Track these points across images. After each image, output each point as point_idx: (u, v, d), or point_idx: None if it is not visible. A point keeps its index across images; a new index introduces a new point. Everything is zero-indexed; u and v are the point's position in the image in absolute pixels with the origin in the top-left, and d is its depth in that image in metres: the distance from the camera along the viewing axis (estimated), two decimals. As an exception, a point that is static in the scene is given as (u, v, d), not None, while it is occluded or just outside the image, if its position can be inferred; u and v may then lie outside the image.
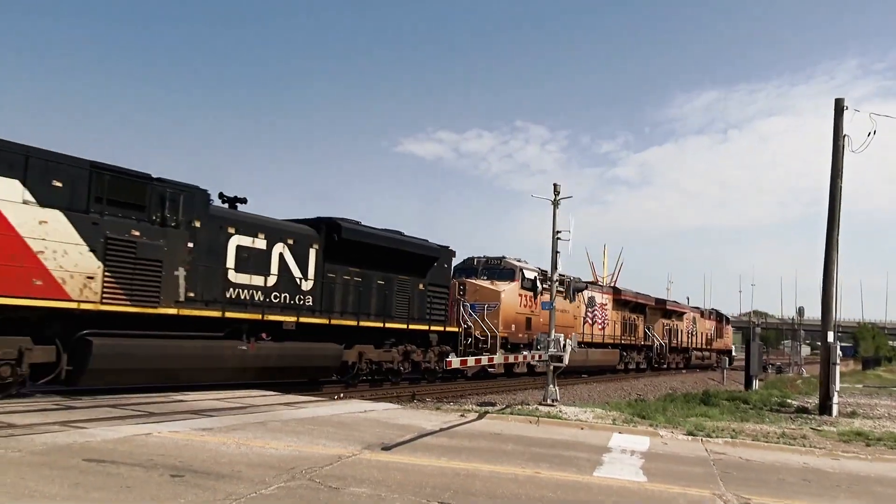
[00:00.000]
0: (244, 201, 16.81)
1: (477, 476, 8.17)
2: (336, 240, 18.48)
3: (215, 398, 14.38)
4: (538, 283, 24.51)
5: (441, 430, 11.88)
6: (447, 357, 18.20)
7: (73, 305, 12.70)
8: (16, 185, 11.98)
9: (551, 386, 16.20)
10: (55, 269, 12.39)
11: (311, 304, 17.90)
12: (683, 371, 41.14)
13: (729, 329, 59.52)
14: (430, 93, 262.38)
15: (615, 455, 10.41)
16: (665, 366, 39.92)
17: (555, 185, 16.73)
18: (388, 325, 19.97)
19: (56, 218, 12.49)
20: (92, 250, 13.00)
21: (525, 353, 18.43)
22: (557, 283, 16.67)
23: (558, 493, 7.61)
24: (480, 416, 13.93)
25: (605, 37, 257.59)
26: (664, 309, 41.83)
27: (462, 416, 14.02)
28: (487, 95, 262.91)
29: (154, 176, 14.40)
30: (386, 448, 9.61)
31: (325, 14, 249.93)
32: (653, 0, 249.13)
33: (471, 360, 16.33)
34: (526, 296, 25.73)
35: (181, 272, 14.53)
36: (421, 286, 21.54)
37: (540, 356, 15.99)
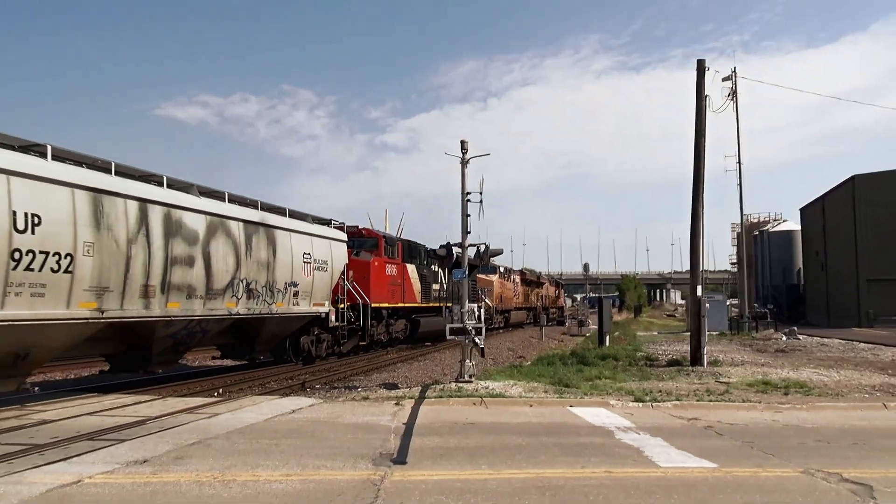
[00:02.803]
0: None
1: (561, 486, 6.76)
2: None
3: (87, 411, 11.36)
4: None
5: (404, 424, 10.25)
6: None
7: (416, 304, 27.35)
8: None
9: (468, 361, 14.98)
10: (413, 291, 27.29)
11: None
12: (542, 327, 42.89)
13: (562, 291, 72.89)
14: (189, 54, 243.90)
15: (629, 437, 9.51)
16: (540, 322, 44.31)
17: (462, 142, 15.34)
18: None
19: (413, 269, 27.26)
20: (420, 279, 27.94)
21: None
22: (475, 251, 15.38)
23: (673, 497, 6.44)
24: (418, 404, 12.40)
25: (372, 1, 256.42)
26: (537, 281, 57.90)
27: (397, 404, 12.40)
28: (252, 57, 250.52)
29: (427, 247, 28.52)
30: (399, 462, 7.82)
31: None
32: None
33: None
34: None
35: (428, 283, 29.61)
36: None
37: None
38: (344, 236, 21.70)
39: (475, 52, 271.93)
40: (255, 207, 17.27)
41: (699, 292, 20.02)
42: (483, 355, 14.69)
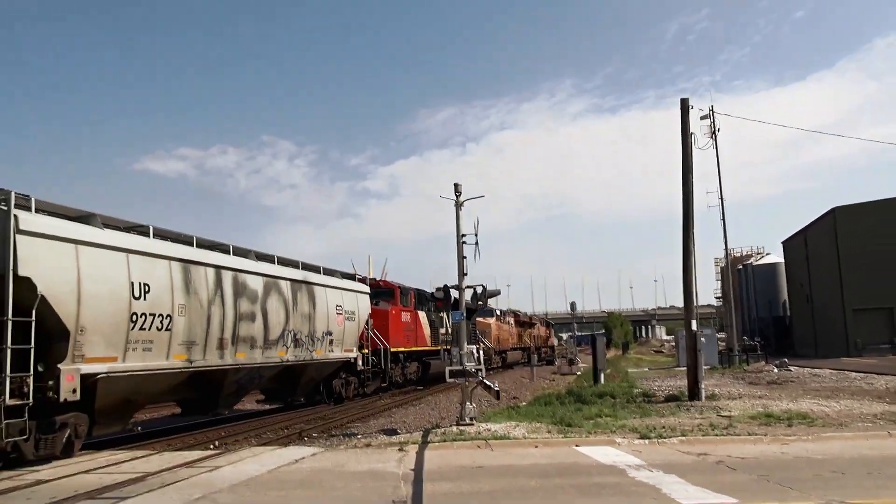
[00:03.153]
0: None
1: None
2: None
3: (83, 469, 11.02)
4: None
5: (412, 471, 10.06)
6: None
7: (427, 348, 29.18)
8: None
9: (468, 403, 14.80)
10: (424, 336, 29.41)
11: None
12: (534, 367, 42.82)
13: (552, 331, 74.54)
14: (166, 107, 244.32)
15: (643, 475, 9.38)
16: (533, 362, 44.44)
17: (455, 185, 15.42)
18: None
19: (424, 315, 29.51)
20: (429, 324, 30.09)
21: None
22: (471, 292, 15.31)
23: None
24: (422, 449, 12.20)
25: (348, 53, 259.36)
26: (529, 322, 59.00)
27: (401, 450, 12.19)
28: (230, 110, 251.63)
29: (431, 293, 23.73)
30: (414, 509, 7.64)
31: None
32: (383, 19, 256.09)
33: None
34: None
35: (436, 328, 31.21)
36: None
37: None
38: (367, 288, 24.17)
39: (452, 99, 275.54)
40: (297, 267, 19.66)
41: (694, 327, 20.04)
42: (498, 398, 14.62)
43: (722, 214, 39.55)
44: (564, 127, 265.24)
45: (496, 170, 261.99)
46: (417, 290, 29.72)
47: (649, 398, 20.77)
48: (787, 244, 58.93)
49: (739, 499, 7.71)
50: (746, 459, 10.50)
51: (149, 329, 12.94)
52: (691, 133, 20.63)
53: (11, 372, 10.48)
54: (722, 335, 50.86)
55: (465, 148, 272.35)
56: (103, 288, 12.04)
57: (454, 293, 15.32)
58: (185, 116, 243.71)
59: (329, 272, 21.73)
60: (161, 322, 13.29)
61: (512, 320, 51.58)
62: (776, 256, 64.02)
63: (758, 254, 67.94)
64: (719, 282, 62.90)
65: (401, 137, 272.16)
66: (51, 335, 11.22)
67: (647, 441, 12.45)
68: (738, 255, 67.49)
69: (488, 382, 14.59)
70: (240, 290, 16.08)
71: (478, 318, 36.09)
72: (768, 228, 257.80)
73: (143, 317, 12.82)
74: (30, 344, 10.69)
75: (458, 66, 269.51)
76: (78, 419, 12.14)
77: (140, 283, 12.79)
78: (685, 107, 20.77)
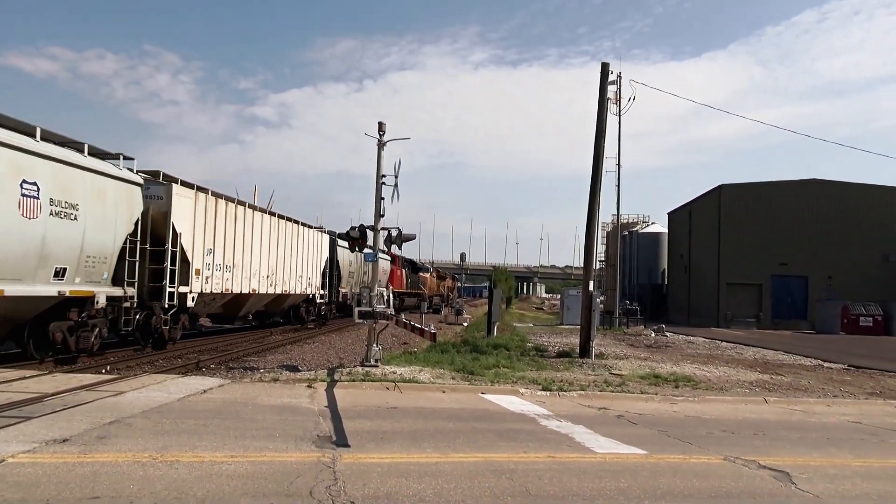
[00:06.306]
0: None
1: (513, 470, 7.05)
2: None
3: (-32, 387, 10.49)
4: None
5: (326, 407, 10.25)
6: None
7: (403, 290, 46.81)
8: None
9: (374, 345, 15.04)
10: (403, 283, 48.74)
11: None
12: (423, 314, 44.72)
13: (456, 283, 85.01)
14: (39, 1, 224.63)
15: (553, 424, 9.99)
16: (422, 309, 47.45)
17: (380, 123, 15.33)
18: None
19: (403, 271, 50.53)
20: (405, 276, 51.79)
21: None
22: (387, 235, 15.42)
23: (621, 482, 6.88)
24: (331, 387, 12.38)
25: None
26: (444, 276, 77.25)
27: (309, 387, 12.35)
28: (112, 12, 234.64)
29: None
30: (341, 444, 7.84)
31: None
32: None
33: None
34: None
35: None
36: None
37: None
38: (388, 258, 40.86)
39: (353, 31, 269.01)
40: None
41: (591, 287, 21.05)
42: (434, 340, 14.81)
43: (617, 181, 41.23)
44: (465, 75, 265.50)
45: (392, 111, 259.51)
46: (402, 257, 40.80)
47: (542, 353, 21.74)
48: (672, 215, 62.12)
49: (648, 450, 8.39)
50: (644, 415, 11.34)
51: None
52: (608, 98, 21.31)
53: None
54: (602, 298, 53.38)
55: (361, 84, 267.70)
56: None
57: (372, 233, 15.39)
58: (59, 11, 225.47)
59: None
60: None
61: (435, 274, 70.47)
62: (660, 226, 67.29)
63: (643, 222, 71.13)
64: (604, 245, 65.39)
65: (295, 65, 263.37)
66: None
67: (548, 393, 13.18)
68: (625, 221, 70.40)
69: (419, 325, 14.86)
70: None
71: (420, 273, 56.77)
72: (653, 198, 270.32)
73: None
74: None
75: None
76: None
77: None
78: (605, 71, 21.39)
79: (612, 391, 13.80)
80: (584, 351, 20.56)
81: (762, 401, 13.87)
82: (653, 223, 69.66)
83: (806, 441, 9.84)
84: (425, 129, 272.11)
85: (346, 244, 25.26)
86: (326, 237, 30.40)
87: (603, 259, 63.46)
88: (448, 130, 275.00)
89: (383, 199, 15.24)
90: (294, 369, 14.98)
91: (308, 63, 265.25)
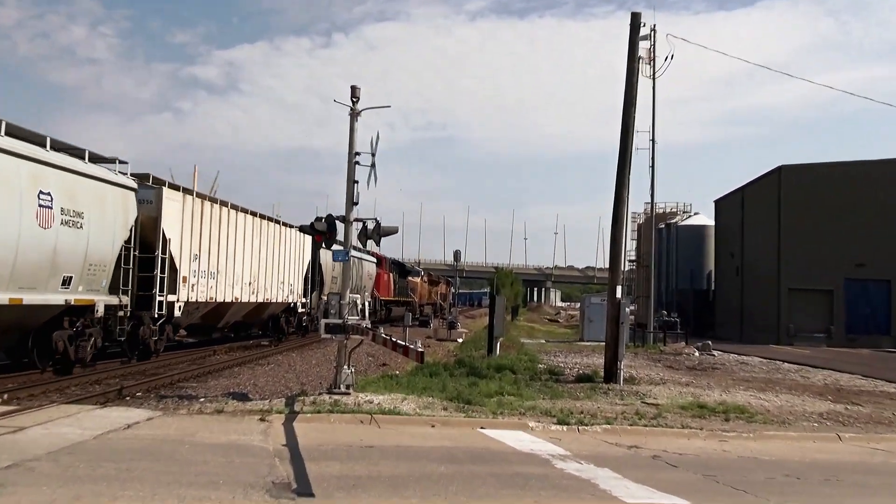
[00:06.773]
0: None
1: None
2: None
3: None
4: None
5: (284, 446, 10.24)
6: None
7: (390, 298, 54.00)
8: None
9: (345, 368, 15.00)
10: (390, 290, 55.22)
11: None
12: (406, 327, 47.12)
13: (450, 288, 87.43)
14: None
15: (572, 467, 10.02)
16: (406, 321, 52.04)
17: (353, 87, 15.30)
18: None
19: (390, 275, 55.82)
20: (393, 281, 57.53)
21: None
22: (362, 227, 15.38)
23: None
24: (290, 420, 12.38)
25: None
26: (436, 281, 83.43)
27: (262, 420, 12.38)
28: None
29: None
30: (304, 494, 7.84)
31: None
32: None
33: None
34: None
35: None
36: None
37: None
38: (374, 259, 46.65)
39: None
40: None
41: (619, 293, 21.05)
42: (422, 360, 14.64)
43: (651, 161, 40.72)
44: (459, 27, 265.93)
45: (368, 71, 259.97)
46: (391, 259, 45.77)
47: (557, 377, 21.80)
48: (720, 204, 62.28)
49: (691, 501, 8.38)
50: (685, 456, 11.36)
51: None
52: (639, 58, 21.33)
53: None
54: (633, 307, 53.51)
55: (330, 39, 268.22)
56: None
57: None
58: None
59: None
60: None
61: (426, 279, 73.89)
62: (705, 218, 67.47)
63: (684, 213, 71.39)
64: (635, 241, 65.58)
65: (246, 14, 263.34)
66: None
67: (565, 427, 13.22)
68: (661, 211, 70.31)
69: (403, 342, 14.72)
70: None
71: (409, 277, 61.14)
72: (696, 182, 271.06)
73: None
74: None
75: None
76: None
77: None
78: (636, 23, 21.39)
79: (646, 425, 13.84)
80: (611, 374, 20.59)
81: (835, 437, 13.93)
82: (696, 214, 69.98)
83: (891, 489, 9.86)
84: (410, 96, 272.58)
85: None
86: (308, 238, 31.92)
87: (633, 259, 63.82)
88: (438, 97, 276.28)
89: (357, 182, 15.23)
90: (243, 398, 14.99)
91: (262, 11, 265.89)
